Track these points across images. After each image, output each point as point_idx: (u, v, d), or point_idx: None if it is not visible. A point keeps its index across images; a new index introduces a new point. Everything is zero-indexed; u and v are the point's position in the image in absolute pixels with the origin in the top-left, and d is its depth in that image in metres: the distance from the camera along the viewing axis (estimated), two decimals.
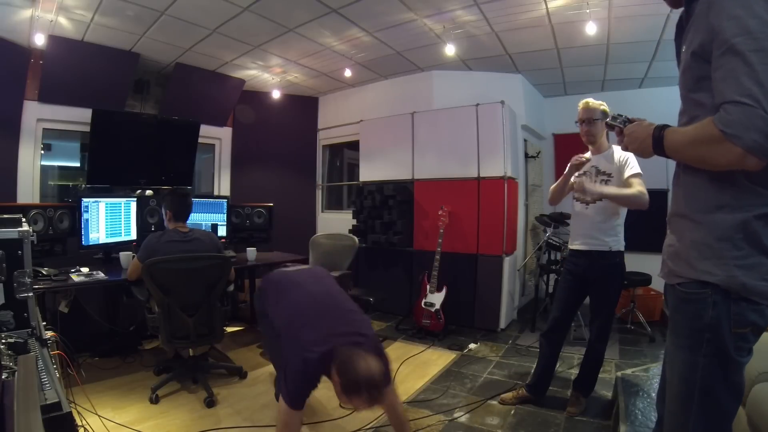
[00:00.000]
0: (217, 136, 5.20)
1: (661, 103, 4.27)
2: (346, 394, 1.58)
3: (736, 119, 0.85)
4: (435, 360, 3.37)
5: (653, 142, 1.05)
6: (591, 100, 2.32)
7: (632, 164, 2.23)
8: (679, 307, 1.08)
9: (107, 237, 3.37)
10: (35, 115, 3.75)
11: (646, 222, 2.57)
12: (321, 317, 1.82)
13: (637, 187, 2.15)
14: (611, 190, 2.21)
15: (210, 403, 2.53)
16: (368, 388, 1.54)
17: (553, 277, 4.31)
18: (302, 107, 5.71)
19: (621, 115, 1.21)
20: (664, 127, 1.05)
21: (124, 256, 3.14)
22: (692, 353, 1.03)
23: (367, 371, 1.55)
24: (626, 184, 2.23)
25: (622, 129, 1.18)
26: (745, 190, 0.96)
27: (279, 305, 2.02)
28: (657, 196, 4.01)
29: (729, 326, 0.98)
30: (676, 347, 1.09)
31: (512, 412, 2.51)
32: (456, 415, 2.48)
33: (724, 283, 0.97)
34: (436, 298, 3.85)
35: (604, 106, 2.31)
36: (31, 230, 1.40)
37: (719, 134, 0.88)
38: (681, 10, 1.10)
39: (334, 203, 6.15)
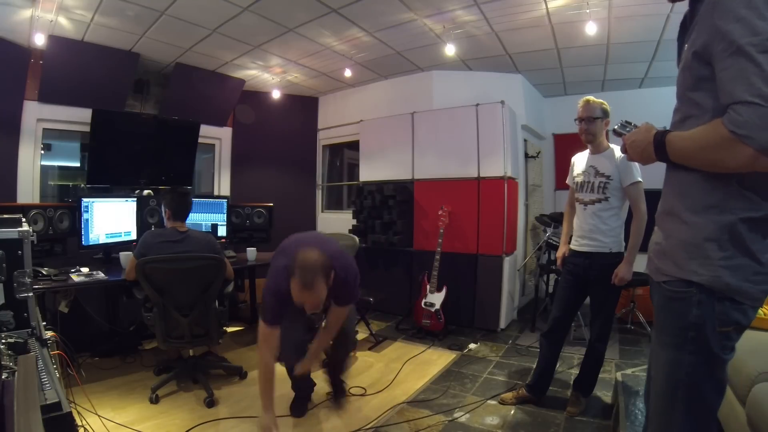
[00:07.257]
0: (217, 136, 5.20)
1: (661, 103, 4.24)
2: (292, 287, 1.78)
3: (748, 120, 0.84)
4: (435, 360, 3.37)
5: (655, 149, 1.04)
6: (591, 98, 2.32)
7: (632, 170, 2.23)
8: (664, 306, 1.09)
9: (107, 237, 3.37)
10: (35, 115, 3.74)
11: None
12: (298, 246, 1.97)
13: (637, 222, 2.23)
14: (629, 250, 2.25)
15: (210, 403, 2.54)
16: (301, 270, 1.74)
17: (553, 277, 4.31)
18: (302, 107, 5.70)
19: (630, 123, 1.16)
20: (665, 132, 1.04)
21: (124, 256, 3.13)
22: (677, 351, 1.04)
23: (303, 256, 1.78)
24: (625, 193, 2.28)
25: None
26: (735, 194, 0.96)
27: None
28: (656, 196, 4.04)
29: (713, 325, 0.99)
30: (661, 345, 1.10)
31: (512, 412, 2.51)
32: (456, 415, 2.48)
33: (708, 283, 0.99)
34: (436, 298, 3.85)
35: (605, 105, 2.32)
36: (31, 230, 1.40)
37: (729, 136, 0.87)
38: (685, 10, 1.10)
39: (334, 203, 6.14)
